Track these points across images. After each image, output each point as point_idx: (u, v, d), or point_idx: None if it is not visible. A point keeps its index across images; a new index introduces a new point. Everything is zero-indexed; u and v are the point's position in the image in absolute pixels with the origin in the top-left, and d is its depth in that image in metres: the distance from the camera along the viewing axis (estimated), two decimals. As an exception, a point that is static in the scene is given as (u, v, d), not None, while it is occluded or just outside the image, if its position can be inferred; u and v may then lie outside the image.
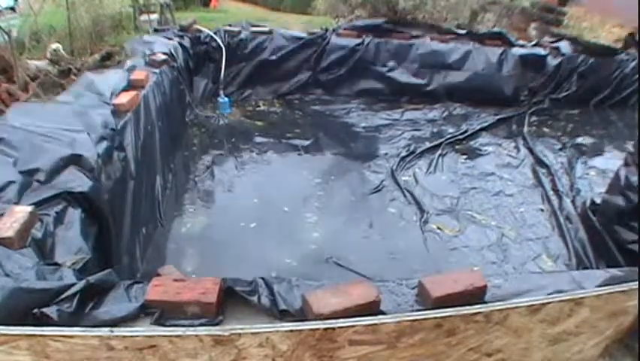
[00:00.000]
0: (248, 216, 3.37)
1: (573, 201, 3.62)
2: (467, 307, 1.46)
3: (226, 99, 5.17)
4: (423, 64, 5.69)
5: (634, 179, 2.95)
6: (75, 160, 2.23)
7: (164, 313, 1.47)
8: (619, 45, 7.19)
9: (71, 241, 1.89)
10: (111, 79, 3.27)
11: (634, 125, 5.13)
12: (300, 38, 5.61)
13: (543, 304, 1.52)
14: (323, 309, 1.44)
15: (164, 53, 4.32)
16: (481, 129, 5.03)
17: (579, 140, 4.87)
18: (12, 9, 8.61)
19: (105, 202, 2.30)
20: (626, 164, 3.06)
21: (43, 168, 2.09)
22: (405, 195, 3.73)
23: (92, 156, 2.31)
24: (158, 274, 2.47)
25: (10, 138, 2.23)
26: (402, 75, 5.71)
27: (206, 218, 3.37)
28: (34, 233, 1.77)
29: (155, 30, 5.56)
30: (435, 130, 5.00)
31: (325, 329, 1.35)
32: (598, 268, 2.90)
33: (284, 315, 1.50)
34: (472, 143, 4.77)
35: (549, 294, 1.58)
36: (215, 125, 4.88)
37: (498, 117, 5.31)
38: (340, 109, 5.44)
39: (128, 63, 3.85)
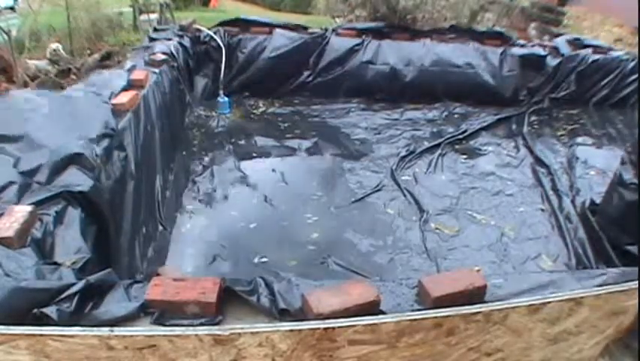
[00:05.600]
0: (247, 216, 3.37)
1: (573, 201, 3.62)
2: (467, 307, 1.46)
3: (226, 99, 5.17)
4: (422, 64, 5.68)
5: (628, 177, 2.96)
6: (76, 159, 2.23)
7: (163, 312, 1.47)
8: (619, 45, 7.20)
9: (71, 241, 1.89)
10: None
11: (634, 125, 5.13)
12: (300, 38, 5.60)
13: (543, 303, 1.52)
14: (323, 309, 1.44)
15: (164, 53, 4.32)
16: (481, 129, 5.02)
17: (579, 140, 4.87)
18: (12, 9, 8.61)
19: (105, 202, 2.30)
20: (623, 163, 3.07)
21: (43, 167, 2.09)
22: (404, 195, 3.73)
23: (92, 155, 2.32)
24: (158, 274, 2.48)
25: (11, 133, 2.23)
26: (401, 75, 5.71)
27: (206, 218, 3.37)
28: (34, 233, 1.77)
29: (155, 30, 5.55)
30: (435, 130, 4.99)
31: (325, 329, 1.36)
32: (598, 267, 2.90)
33: (284, 315, 1.50)
34: (471, 143, 4.77)
35: (549, 294, 1.58)
36: (214, 125, 4.87)
37: (498, 117, 5.30)
38: (340, 109, 5.44)
39: (128, 63, 3.85)
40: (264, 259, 2.96)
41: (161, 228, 3.21)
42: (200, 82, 5.43)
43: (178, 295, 1.48)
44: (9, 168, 2.06)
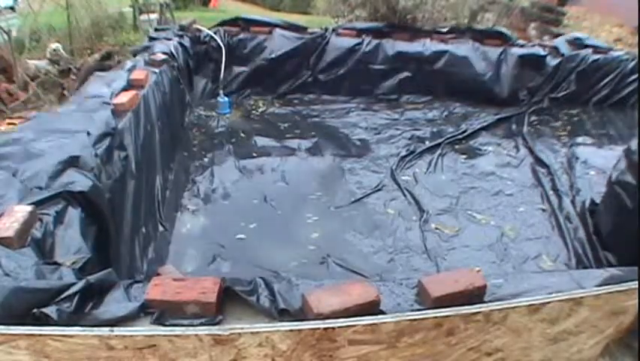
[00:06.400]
0: (248, 216, 3.37)
1: (573, 201, 3.62)
2: (467, 307, 1.46)
3: (226, 99, 5.17)
4: (423, 63, 5.68)
5: (614, 178, 2.97)
6: (73, 162, 2.23)
7: (163, 312, 1.47)
8: (619, 45, 7.20)
9: (71, 241, 1.89)
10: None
11: (634, 125, 5.13)
12: (300, 38, 5.61)
13: (543, 303, 1.52)
14: (323, 309, 1.44)
15: (164, 53, 4.32)
16: (481, 129, 5.03)
17: (579, 140, 4.87)
18: (12, 8, 8.61)
19: (105, 202, 2.30)
20: (616, 164, 3.08)
21: (42, 173, 2.09)
22: (405, 195, 3.73)
23: (90, 156, 2.32)
24: (158, 274, 2.48)
25: (9, 151, 2.22)
26: (401, 75, 5.71)
27: (206, 218, 3.37)
28: (34, 233, 1.77)
29: (155, 30, 5.56)
30: (435, 130, 4.99)
31: (325, 329, 1.36)
32: (597, 267, 2.90)
33: (283, 315, 1.50)
34: (471, 142, 4.77)
35: (549, 294, 1.58)
36: (214, 125, 4.87)
37: (498, 117, 5.31)
38: (340, 109, 5.44)
39: (129, 63, 3.86)
40: (242, 236, 3.09)
41: (161, 228, 3.21)
42: (200, 82, 5.44)
43: (178, 295, 1.48)
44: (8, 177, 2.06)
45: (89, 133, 2.47)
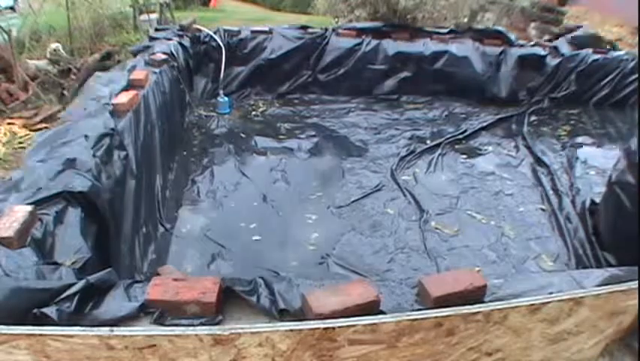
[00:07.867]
0: (248, 216, 3.37)
1: (573, 201, 3.62)
2: (467, 307, 1.46)
3: (226, 99, 5.17)
4: (422, 63, 5.68)
5: (614, 179, 2.97)
6: (70, 164, 2.23)
7: (163, 312, 1.47)
8: (619, 45, 7.20)
9: (71, 241, 1.89)
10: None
11: (634, 125, 5.13)
12: (300, 38, 5.61)
13: (543, 303, 1.52)
14: (323, 309, 1.44)
15: (164, 53, 4.32)
16: (481, 129, 5.02)
17: (579, 139, 4.87)
18: (12, 8, 8.62)
19: (105, 202, 2.30)
20: (616, 164, 3.08)
21: (41, 178, 2.09)
22: (404, 195, 3.73)
23: (88, 158, 2.31)
24: (158, 274, 2.48)
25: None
26: (401, 75, 5.71)
27: (206, 218, 3.37)
28: (34, 233, 1.78)
29: (155, 30, 5.56)
30: (435, 130, 4.99)
31: (325, 329, 1.36)
32: (597, 267, 2.90)
33: (283, 315, 1.50)
34: (471, 142, 4.77)
35: (549, 294, 1.59)
36: (214, 125, 4.87)
37: (498, 117, 5.31)
38: (340, 109, 5.44)
39: (129, 63, 3.86)
40: (258, 237, 3.10)
41: (161, 228, 3.21)
42: (200, 82, 5.43)
43: (178, 295, 1.48)
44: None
45: (86, 136, 2.47)
